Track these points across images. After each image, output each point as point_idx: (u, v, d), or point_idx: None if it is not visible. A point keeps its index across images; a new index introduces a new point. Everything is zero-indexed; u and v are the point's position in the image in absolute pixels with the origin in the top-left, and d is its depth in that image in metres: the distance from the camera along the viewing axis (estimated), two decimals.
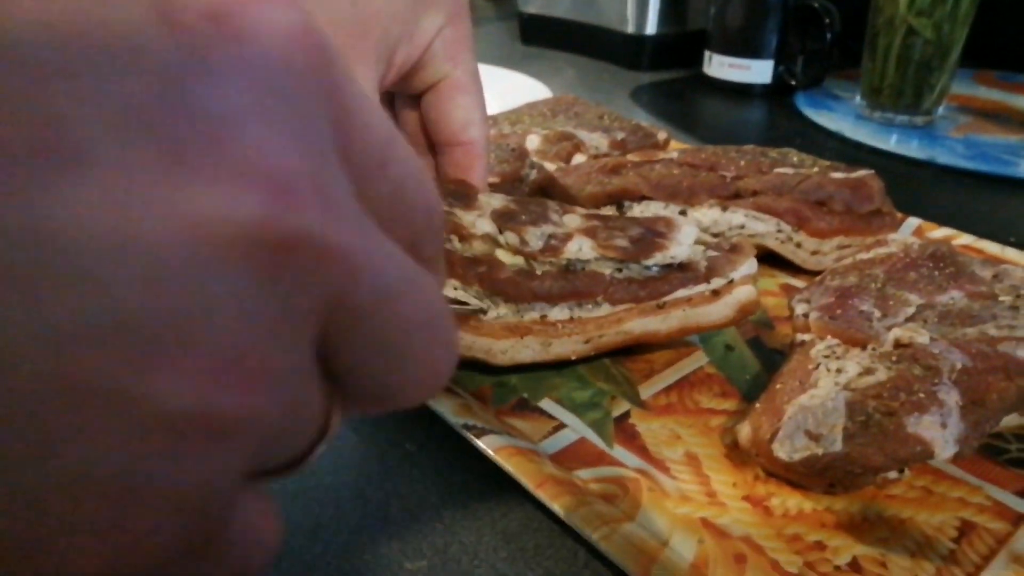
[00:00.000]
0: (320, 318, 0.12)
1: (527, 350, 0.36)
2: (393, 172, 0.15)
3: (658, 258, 0.37)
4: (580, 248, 0.36)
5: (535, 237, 0.36)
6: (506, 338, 0.36)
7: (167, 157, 0.10)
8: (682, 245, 0.37)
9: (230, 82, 0.11)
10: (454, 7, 0.36)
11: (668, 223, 0.38)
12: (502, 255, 0.36)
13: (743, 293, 0.38)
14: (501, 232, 0.36)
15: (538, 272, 0.36)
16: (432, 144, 0.39)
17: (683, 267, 0.38)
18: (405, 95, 0.39)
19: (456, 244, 0.36)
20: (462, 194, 0.37)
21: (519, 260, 0.36)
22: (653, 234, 0.38)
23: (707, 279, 0.38)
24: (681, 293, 0.37)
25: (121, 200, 0.10)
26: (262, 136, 0.11)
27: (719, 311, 0.38)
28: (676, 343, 0.41)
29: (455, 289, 0.35)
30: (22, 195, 0.09)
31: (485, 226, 0.36)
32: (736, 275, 0.38)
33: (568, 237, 0.36)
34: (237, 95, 0.11)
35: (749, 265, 0.39)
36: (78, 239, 0.10)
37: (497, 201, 0.38)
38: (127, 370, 0.10)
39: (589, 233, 0.37)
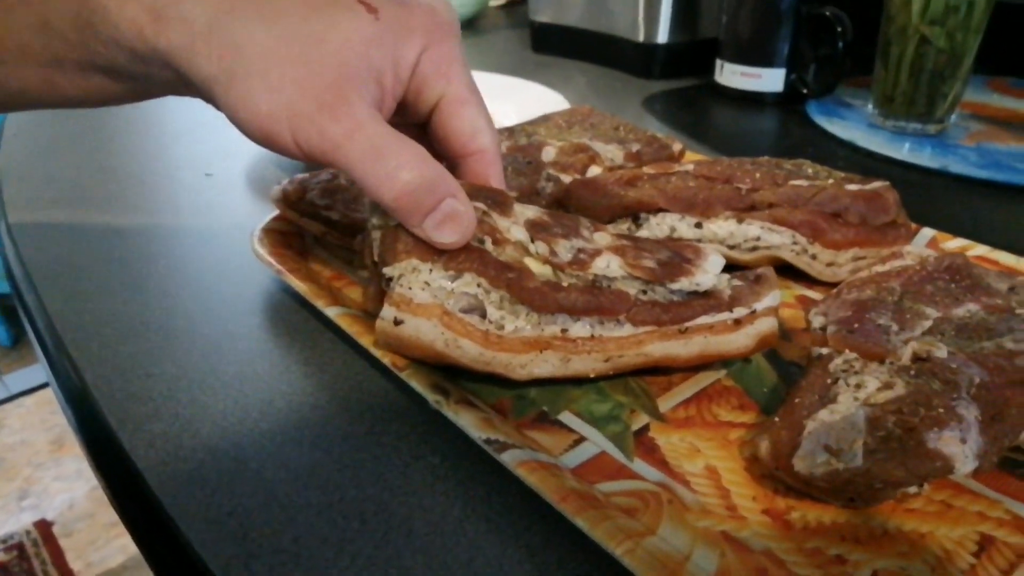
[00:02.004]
0: None
1: (546, 364, 0.37)
2: None
3: (683, 283, 0.37)
4: (608, 264, 0.37)
5: (564, 249, 0.37)
6: (525, 352, 0.36)
7: None
8: (708, 273, 0.38)
9: None
10: (431, 29, 0.37)
11: (696, 250, 0.39)
12: (531, 263, 0.37)
13: (764, 325, 0.39)
14: (533, 241, 0.37)
15: (564, 284, 0.36)
16: (450, 162, 0.40)
17: (707, 294, 0.38)
18: (417, 125, 0.40)
19: (489, 246, 0.36)
20: (499, 201, 0.38)
21: (547, 270, 0.37)
22: (680, 259, 0.38)
23: (730, 307, 0.38)
24: (703, 319, 0.38)
25: None
26: None
27: (739, 340, 0.38)
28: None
29: (478, 287, 0.35)
30: None
31: (518, 233, 0.37)
32: (759, 306, 0.39)
33: (597, 253, 0.37)
34: None
35: (772, 297, 0.39)
36: None
37: (531, 212, 0.39)
38: None
39: (618, 251, 0.37)
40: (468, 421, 0.34)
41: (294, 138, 0.34)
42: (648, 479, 0.34)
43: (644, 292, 0.38)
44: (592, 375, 0.38)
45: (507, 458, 0.32)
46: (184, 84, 0.36)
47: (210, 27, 0.34)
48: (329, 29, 0.35)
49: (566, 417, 0.37)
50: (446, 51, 0.38)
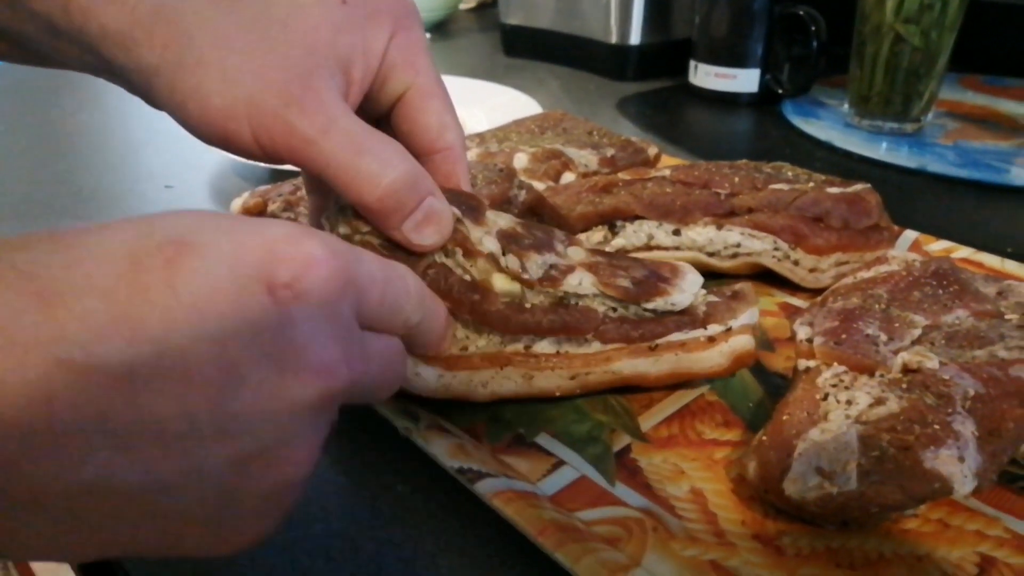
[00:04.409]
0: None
1: (508, 382, 0.35)
2: (388, 297, 0.27)
3: (659, 303, 0.36)
4: (580, 282, 0.35)
5: (536, 265, 0.35)
6: (486, 368, 0.34)
7: (279, 371, 0.22)
8: (685, 292, 0.36)
9: (302, 324, 0.23)
10: (399, 15, 0.34)
11: (673, 269, 0.37)
12: (499, 280, 0.34)
13: (739, 342, 0.37)
14: (504, 254, 0.35)
15: (528, 305, 0.34)
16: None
17: (681, 311, 0.37)
18: (378, 118, 0.38)
19: (460, 259, 0.34)
20: (472, 207, 0.35)
21: (515, 287, 0.35)
22: (657, 278, 0.36)
23: (704, 324, 0.37)
24: (675, 336, 0.36)
25: (267, 392, 0.22)
26: (320, 349, 0.23)
27: (712, 358, 0.37)
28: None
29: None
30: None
31: (490, 244, 0.35)
32: (735, 323, 0.37)
33: (570, 269, 0.35)
34: (306, 330, 0.23)
35: (750, 314, 0.37)
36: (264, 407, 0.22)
37: (504, 221, 0.36)
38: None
39: (592, 268, 0.35)
40: (440, 449, 0.32)
41: (255, 136, 0.31)
42: (631, 505, 0.32)
43: (614, 309, 0.36)
44: (558, 393, 0.36)
45: (481, 489, 0.30)
46: (108, 71, 0.32)
47: (155, 11, 0.30)
48: (293, 13, 0.31)
49: (543, 439, 0.35)
50: (414, 39, 0.35)
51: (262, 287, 0.22)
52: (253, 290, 0.22)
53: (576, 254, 0.37)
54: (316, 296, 0.23)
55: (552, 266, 0.35)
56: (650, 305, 0.36)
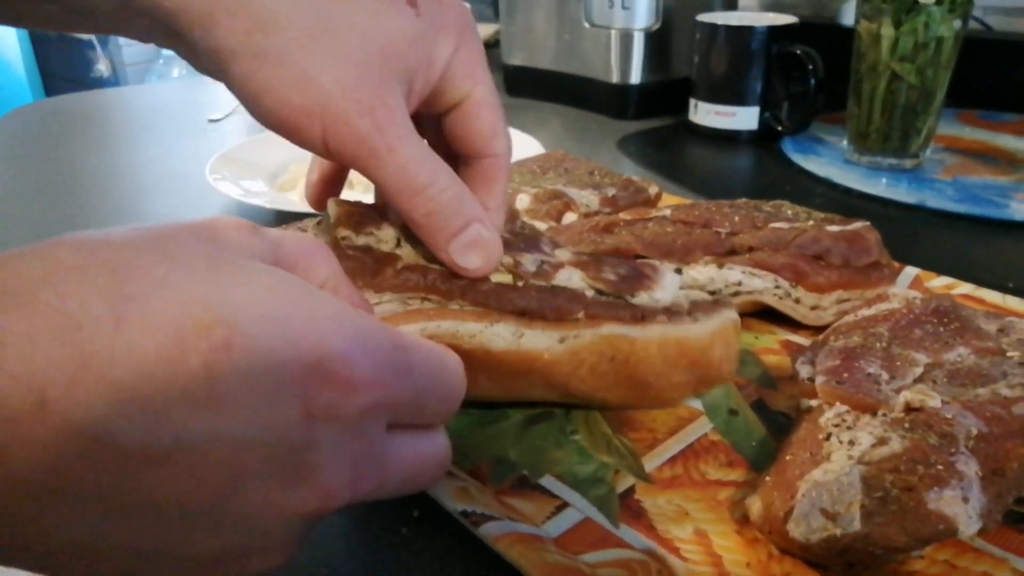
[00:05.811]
0: None
1: (498, 338, 0.35)
2: (429, 407, 0.27)
3: (643, 297, 0.38)
4: (570, 277, 0.37)
5: (529, 261, 0.37)
6: (476, 321, 0.35)
7: (284, 486, 0.22)
8: (666, 289, 0.38)
9: (323, 446, 0.22)
10: (463, 28, 0.36)
11: (654, 268, 0.40)
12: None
13: (723, 315, 0.39)
14: None
15: (520, 284, 0.36)
16: (455, 157, 0.39)
17: (666, 309, 0.38)
18: (426, 116, 0.39)
19: None
20: None
21: (508, 277, 0.36)
22: (640, 274, 0.39)
23: (690, 313, 0.39)
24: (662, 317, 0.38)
25: (267, 502, 0.22)
26: (330, 472, 0.23)
27: (698, 329, 0.38)
28: (674, 401, 0.40)
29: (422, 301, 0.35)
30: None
31: None
32: (719, 317, 0.39)
33: (559, 266, 0.38)
34: (325, 453, 0.23)
35: (730, 311, 0.40)
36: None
37: None
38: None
39: (579, 266, 0.38)
40: (443, 491, 0.32)
41: (324, 138, 0.32)
42: (635, 547, 0.32)
43: (601, 294, 0.38)
44: (546, 356, 0.36)
45: (486, 531, 0.30)
46: (175, 45, 0.33)
47: None
48: (373, 22, 0.32)
49: (548, 481, 0.35)
50: (474, 50, 0.37)
51: (299, 404, 0.21)
52: (290, 404, 0.21)
53: (563, 255, 0.39)
54: (349, 421, 0.23)
55: (544, 262, 0.37)
56: (636, 300, 0.38)
